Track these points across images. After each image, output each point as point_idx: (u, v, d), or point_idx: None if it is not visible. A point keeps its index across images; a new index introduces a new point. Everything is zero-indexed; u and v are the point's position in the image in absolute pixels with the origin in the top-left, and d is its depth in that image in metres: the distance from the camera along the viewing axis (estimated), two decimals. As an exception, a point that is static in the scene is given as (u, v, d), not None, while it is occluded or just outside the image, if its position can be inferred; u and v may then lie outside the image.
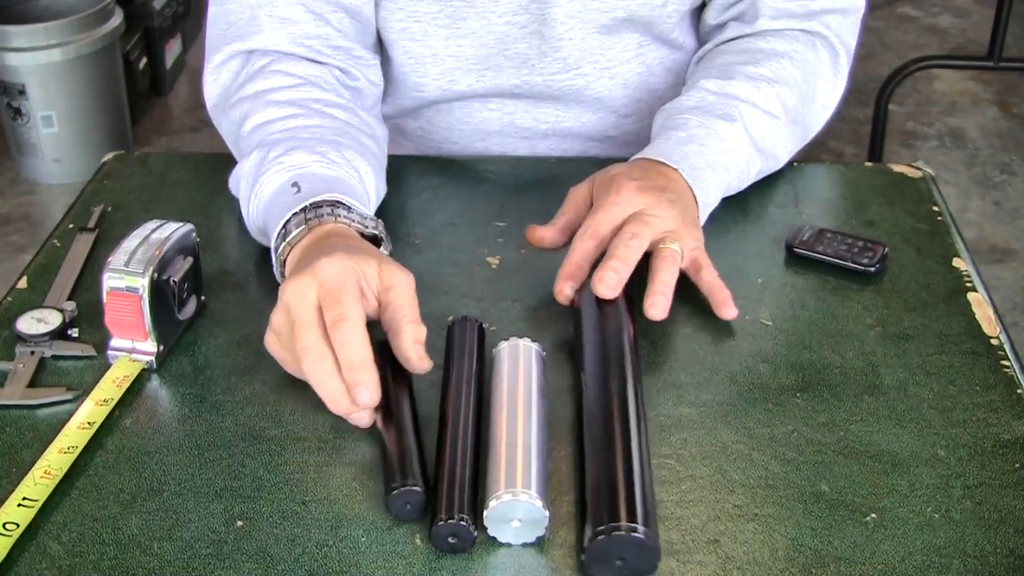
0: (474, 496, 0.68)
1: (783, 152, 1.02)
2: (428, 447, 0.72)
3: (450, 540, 0.66)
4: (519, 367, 0.76)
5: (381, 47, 1.07)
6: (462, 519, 0.66)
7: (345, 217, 0.83)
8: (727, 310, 0.85)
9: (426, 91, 1.09)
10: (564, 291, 0.84)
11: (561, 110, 1.11)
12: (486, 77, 1.07)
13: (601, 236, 0.85)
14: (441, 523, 0.66)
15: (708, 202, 0.93)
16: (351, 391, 0.72)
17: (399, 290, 0.77)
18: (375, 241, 0.85)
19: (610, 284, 0.81)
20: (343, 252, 0.76)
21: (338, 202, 0.84)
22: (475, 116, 1.12)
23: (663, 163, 0.91)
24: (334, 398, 0.72)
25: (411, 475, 0.69)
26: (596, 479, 0.67)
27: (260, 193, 0.88)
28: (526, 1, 1.01)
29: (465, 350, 0.78)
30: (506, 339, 0.79)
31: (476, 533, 0.67)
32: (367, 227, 0.84)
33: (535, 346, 0.78)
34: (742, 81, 0.98)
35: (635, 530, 0.63)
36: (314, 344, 0.72)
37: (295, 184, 0.85)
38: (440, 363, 0.79)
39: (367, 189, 0.92)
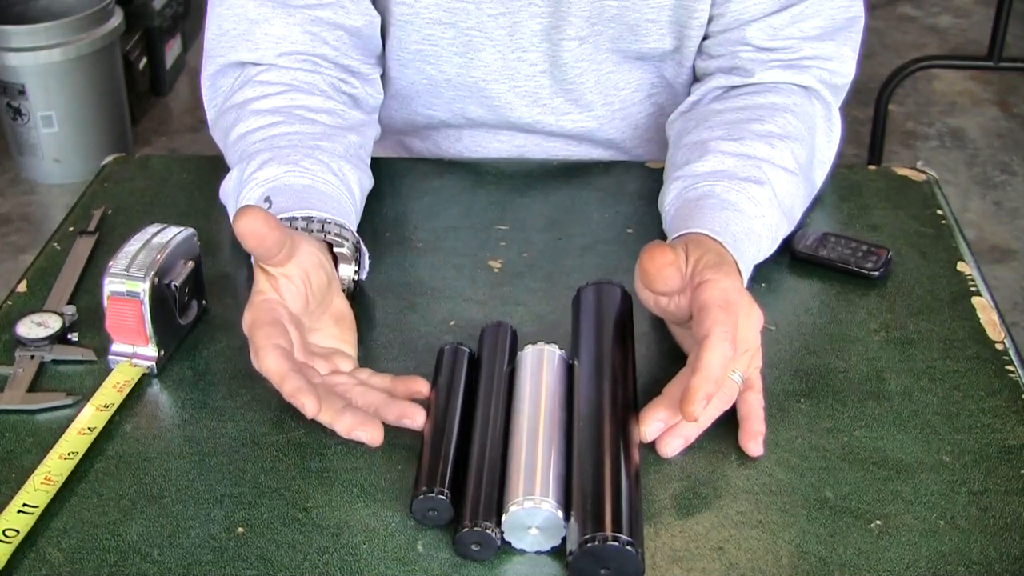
0: (500, 504, 0.67)
1: (799, 212, 0.95)
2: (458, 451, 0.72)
3: (473, 547, 0.66)
4: (542, 372, 0.75)
5: (391, 64, 1.06)
6: (487, 527, 0.66)
7: (303, 228, 0.83)
8: (753, 445, 0.74)
9: (437, 111, 1.09)
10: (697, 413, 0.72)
11: (572, 146, 1.11)
12: (497, 110, 1.06)
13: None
14: (465, 530, 0.66)
15: (745, 278, 0.83)
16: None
17: (256, 250, 0.75)
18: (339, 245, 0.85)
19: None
20: (252, 293, 0.76)
21: (303, 215, 0.84)
22: (484, 146, 1.11)
23: (710, 237, 0.82)
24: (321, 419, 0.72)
25: (440, 483, 0.68)
26: (582, 486, 0.67)
27: None
28: (538, 39, 1.01)
29: (496, 355, 0.78)
30: (532, 343, 0.78)
31: (500, 543, 0.66)
32: (321, 235, 0.83)
33: (559, 351, 0.78)
34: (754, 140, 0.92)
35: (618, 539, 0.63)
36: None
37: (267, 199, 0.85)
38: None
39: (351, 189, 0.91)
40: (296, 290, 0.77)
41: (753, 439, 0.75)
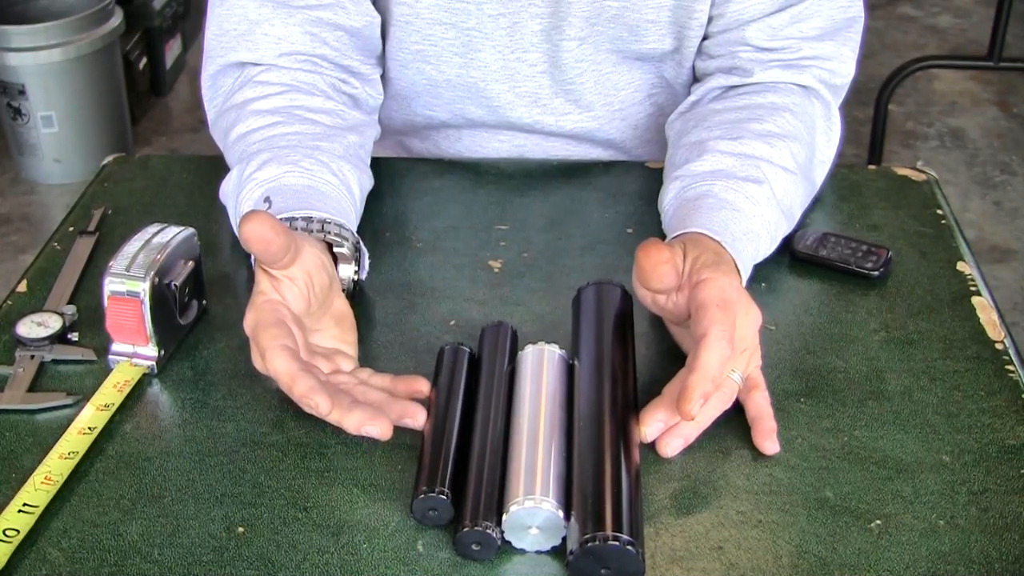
0: (500, 504, 0.67)
1: (798, 211, 0.95)
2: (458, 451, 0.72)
3: (474, 547, 0.66)
4: (542, 373, 0.75)
5: (391, 64, 1.06)
6: (488, 527, 0.65)
7: (303, 228, 0.83)
8: (769, 443, 0.74)
9: (437, 111, 1.09)
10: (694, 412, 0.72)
11: (572, 146, 1.11)
12: (497, 110, 1.06)
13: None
14: (466, 529, 0.66)
15: (744, 278, 0.83)
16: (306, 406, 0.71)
17: (262, 255, 0.75)
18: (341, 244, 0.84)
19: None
20: (253, 294, 0.76)
21: (302, 215, 0.84)
22: (484, 146, 1.11)
23: (709, 236, 0.82)
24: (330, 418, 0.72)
25: (441, 483, 0.68)
26: (582, 486, 0.67)
27: (240, 212, 0.88)
28: (538, 40, 1.01)
29: (496, 355, 0.78)
30: (532, 343, 0.78)
31: (500, 543, 0.66)
32: (321, 235, 0.83)
33: (559, 351, 0.77)
34: (752, 139, 0.92)
35: (619, 539, 0.63)
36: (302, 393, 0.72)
37: (267, 199, 0.85)
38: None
39: (350, 189, 0.91)
40: (298, 291, 0.77)
41: (768, 438, 0.75)
